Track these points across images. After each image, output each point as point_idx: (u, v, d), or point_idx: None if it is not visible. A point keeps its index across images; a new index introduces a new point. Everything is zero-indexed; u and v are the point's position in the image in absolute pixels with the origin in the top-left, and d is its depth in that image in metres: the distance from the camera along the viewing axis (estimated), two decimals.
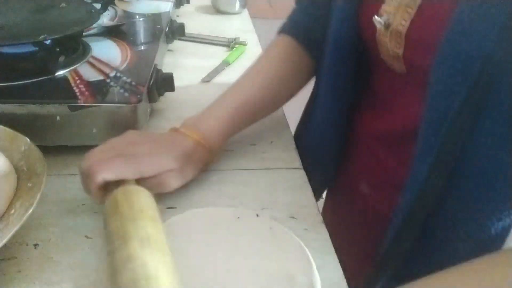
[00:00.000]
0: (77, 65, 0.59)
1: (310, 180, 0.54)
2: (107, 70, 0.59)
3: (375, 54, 0.51)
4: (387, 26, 0.47)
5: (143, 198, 0.40)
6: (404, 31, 0.45)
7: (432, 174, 0.43)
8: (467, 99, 0.39)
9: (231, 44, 0.90)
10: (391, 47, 0.47)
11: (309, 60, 0.61)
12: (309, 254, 0.42)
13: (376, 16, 0.47)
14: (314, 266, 0.40)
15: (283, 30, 0.62)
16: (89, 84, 0.55)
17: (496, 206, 0.44)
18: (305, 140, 0.65)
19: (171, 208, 0.48)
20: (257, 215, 0.46)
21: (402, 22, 0.45)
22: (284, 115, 0.68)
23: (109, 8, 0.83)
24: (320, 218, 0.49)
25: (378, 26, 0.48)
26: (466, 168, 0.43)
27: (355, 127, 0.61)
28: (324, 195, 0.73)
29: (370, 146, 0.59)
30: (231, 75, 0.79)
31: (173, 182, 0.48)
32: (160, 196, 0.50)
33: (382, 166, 0.56)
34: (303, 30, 0.60)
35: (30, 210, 0.38)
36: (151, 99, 0.59)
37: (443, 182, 0.44)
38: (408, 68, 0.48)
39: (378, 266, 0.50)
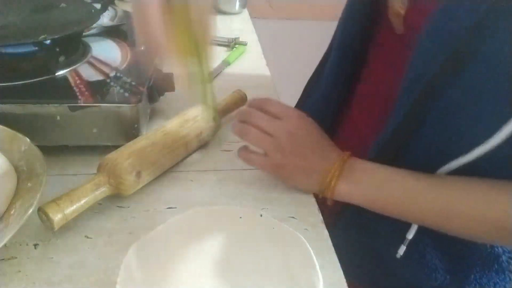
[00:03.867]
0: (77, 65, 0.59)
1: None
2: (107, 70, 0.59)
3: (383, 15, 0.54)
4: None
5: None
6: None
7: (394, 136, 0.48)
8: (442, 68, 0.42)
9: (231, 44, 0.90)
10: (396, 7, 0.50)
11: None
12: (313, 254, 0.42)
13: None
14: (318, 266, 0.40)
15: None
16: (89, 84, 0.55)
17: None
18: None
19: (171, 208, 0.49)
20: (261, 215, 0.46)
21: None
22: None
23: (109, 8, 0.83)
24: (320, 218, 0.49)
25: None
26: (424, 133, 0.46)
27: (347, 102, 0.64)
28: None
29: (353, 119, 0.62)
30: (231, 75, 0.79)
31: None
32: (160, 196, 0.50)
33: (360, 134, 0.60)
34: None
35: (30, 210, 0.38)
36: (151, 99, 0.59)
37: (402, 145, 0.48)
38: (406, 29, 0.51)
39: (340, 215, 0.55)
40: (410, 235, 0.53)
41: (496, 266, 0.54)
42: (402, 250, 0.54)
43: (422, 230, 0.52)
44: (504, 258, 0.54)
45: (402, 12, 0.50)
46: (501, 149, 0.41)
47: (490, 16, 0.38)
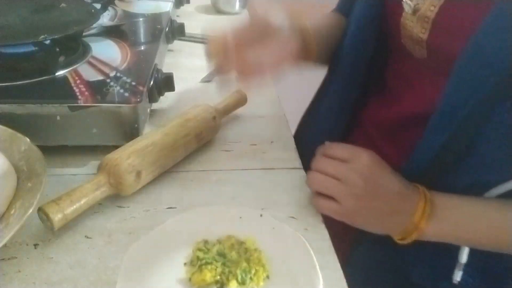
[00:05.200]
0: (77, 65, 0.59)
1: None
2: (107, 70, 0.59)
3: (396, 39, 0.53)
4: (415, 10, 0.48)
5: None
6: (432, 16, 0.46)
7: (433, 162, 0.45)
8: (491, 92, 0.39)
9: None
10: (416, 31, 0.48)
11: None
12: (313, 254, 0.42)
13: (406, 0, 0.49)
14: (318, 266, 0.40)
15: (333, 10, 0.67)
16: (89, 84, 0.55)
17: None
18: (307, 136, 0.66)
19: (171, 208, 0.49)
20: (261, 215, 0.46)
21: (431, 8, 0.46)
22: (284, 115, 0.68)
23: (109, 8, 0.83)
24: (320, 218, 0.48)
25: (406, 9, 0.49)
26: (470, 160, 0.44)
27: (358, 118, 0.62)
28: None
29: (369, 135, 0.60)
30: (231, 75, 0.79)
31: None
32: (160, 196, 0.50)
33: (379, 152, 0.57)
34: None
35: (30, 210, 0.38)
36: (151, 99, 0.59)
37: (443, 171, 0.45)
38: (429, 54, 0.48)
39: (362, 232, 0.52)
40: (463, 259, 0.50)
41: None
42: (458, 275, 0.51)
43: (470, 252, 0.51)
44: None
45: (424, 37, 0.47)
46: None
47: None
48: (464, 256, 0.50)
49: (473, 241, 0.47)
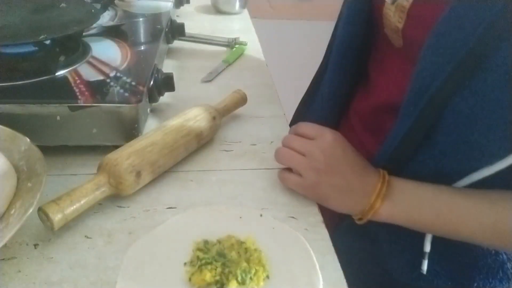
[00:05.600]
0: (77, 65, 0.59)
1: None
2: (107, 70, 0.59)
3: (379, 29, 0.55)
4: (394, 0, 0.49)
5: None
6: (408, 6, 0.48)
7: (401, 146, 0.47)
8: (448, 79, 0.41)
9: (231, 44, 0.90)
10: (394, 20, 0.50)
11: None
12: (313, 254, 0.42)
13: None
14: (317, 266, 0.40)
15: None
16: (89, 84, 0.55)
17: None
18: None
19: (171, 208, 0.49)
20: (261, 215, 0.46)
21: None
22: (284, 115, 0.68)
23: (109, 8, 0.83)
24: (320, 218, 0.49)
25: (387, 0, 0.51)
26: (430, 149, 0.46)
27: (347, 111, 0.65)
28: None
29: (351, 124, 0.63)
30: (231, 75, 0.79)
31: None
32: (160, 196, 0.50)
33: (359, 141, 0.59)
34: None
35: (30, 210, 0.38)
36: (151, 99, 0.59)
37: (408, 159, 0.48)
38: (405, 42, 0.51)
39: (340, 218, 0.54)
40: (426, 248, 0.52)
41: (500, 274, 0.53)
42: (425, 265, 0.53)
43: (434, 241, 0.52)
44: (509, 265, 0.53)
45: (400, 26, 0.50)
46: None
47: (500, 23, 0.38)
48: (427, 245, 0.52)
49: (427, 226, 0.49)
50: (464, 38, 0.40)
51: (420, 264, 0.53)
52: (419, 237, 0.52)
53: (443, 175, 0.47)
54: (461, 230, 0.47)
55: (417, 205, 0.48)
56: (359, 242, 0.60)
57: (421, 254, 0.53)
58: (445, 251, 0.53)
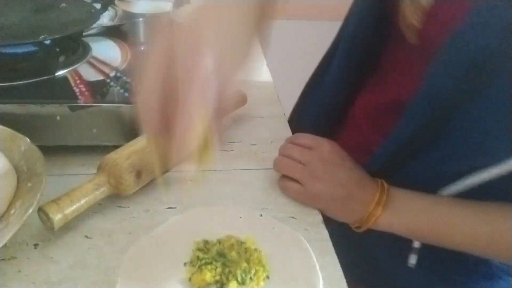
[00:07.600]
0: (77, 65, 0.59)
1: None
2: (107, 70, 0.59)
3: (394, 25, 0.53)
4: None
5: None
6: (427, 6, 0.47)
7: (404, 146, 0.47)
8: (463, 84, 0.41)
9: None
10: (411, 18, 0.49)
11: None
12: (313, 254, 0.42)
13: None
14: (317, 266, 0.41)
15: None
16: (89, 84, 0.55)
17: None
18: (302, 120, 0.69)
19: (171, 208, 0.49)
20: (261, 215, 0.47)
21: None
22: (284, 115, 0.68)
23: (109, 8, 0.82)
24: (320, 218, 0.49)
25: None
26: (436, 145, 0.46)
27: (351, 106, 0.64)
28: None
29: (357, 120, 0.62)
30: None
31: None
32: (160, 196, 0.50)
33: (364, 137, 0.60)
34: None
35: (30, 210, 0.38)
36: None
37: (409, 158, 0.48)
38: (421, 40, 0.49)
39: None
40: (416, 244, 0.53)
41: (486, 270, 0.53)
42: (413, 259, 0.54)
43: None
44: (497, 263, 0.53)
45: (417, 25, 0.48)
46: None
47: None
48: (417, 241, 0.53)
49: (424, 235, 0.50)
50: (485, 41, 0.39)
51: (406, 257, 0.54)
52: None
53: (441, 176, 0.47)
54: (458, 240, 0.48)
55: (415, 215, 0.48)
56: (348, 235, 0.60)
57: (408, 248, 0.53)
58: (432, 247, 0.53)
